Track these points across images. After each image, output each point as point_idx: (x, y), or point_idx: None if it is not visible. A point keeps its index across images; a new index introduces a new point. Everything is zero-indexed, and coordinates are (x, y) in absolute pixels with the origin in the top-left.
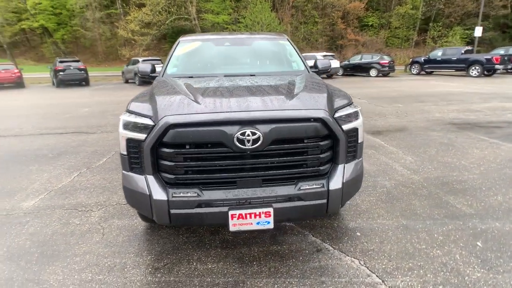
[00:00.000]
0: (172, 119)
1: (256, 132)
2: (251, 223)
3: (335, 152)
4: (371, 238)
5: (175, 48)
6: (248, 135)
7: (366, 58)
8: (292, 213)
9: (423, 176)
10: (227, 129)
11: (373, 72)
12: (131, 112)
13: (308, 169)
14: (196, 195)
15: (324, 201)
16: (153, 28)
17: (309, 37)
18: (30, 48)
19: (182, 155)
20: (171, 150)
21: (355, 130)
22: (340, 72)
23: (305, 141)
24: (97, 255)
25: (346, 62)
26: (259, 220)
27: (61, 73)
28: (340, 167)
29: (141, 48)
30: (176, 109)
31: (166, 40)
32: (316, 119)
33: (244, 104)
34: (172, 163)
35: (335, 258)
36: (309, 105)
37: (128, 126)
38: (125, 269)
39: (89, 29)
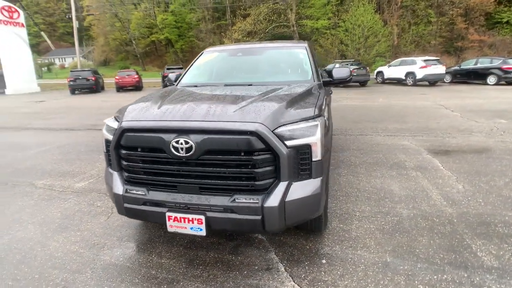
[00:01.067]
0: (126, 125)
1: (189, 141)
2: (186, 227)
3: (278, 168)
4: (334, 269)
5: (197, 59)
6: (181, 144)
7: (483, 63)
8: (225, 224)
9: (461, 210)
10: (165, 136)
11: (491, 79)
12: (114, 117)
13: (243, 182)
14: (143, 193)
15: (259, 217)
16: (254, 37)
17: (418, 39)
18: (157, 57)
19: (134, 156)
20: (125, 152)
21: (306, 147)
22: (448, 79)
23: (242, 154)
24: (92, 233)
25: (456, 68)
26: (192, 225)
27: (166, 78)
28: (282, 184)
29: None
30: (133, 115)
31: None
32: (251, 132)
33: (189, 113)
34: (127, 163)
35: (278, 280)
36: (247, 118)
37: (106, 128)
38: (102, 248)
39: (202, 39)
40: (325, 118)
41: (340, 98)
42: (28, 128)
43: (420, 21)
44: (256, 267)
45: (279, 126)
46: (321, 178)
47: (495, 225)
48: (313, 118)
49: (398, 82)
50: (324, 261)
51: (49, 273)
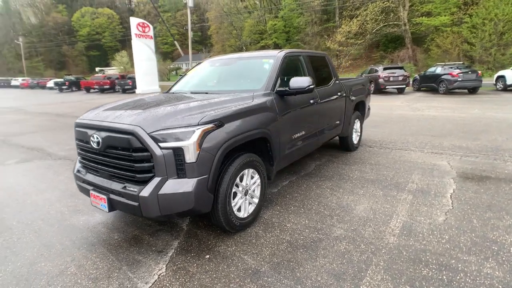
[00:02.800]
0: (76, 121)
1: (98, 137)
2: (98, 203)
3: (154, 166)
4: (207, 265)
5: (191, 68)
6: (94, 138)
7: None
8: (119, 205)
9: (406, 243)
10: (88, 132)
11: None
12: None
13: (129, 174)
14: (83, 174)
15: (137, 204)
16: (359, 38)
17: None
18: None
19: (77, 145)
20: (75, 141)
21: (179, 150)
22: None
23: (130, 150)
24: (91, 217)
25: None
26: (102, 203)
27: None
28: (156, 179)
29: (345, 58)
30: (83, 115)
31: (379, 48)
32: (130, 133)
33: (107, 115)
34: (77, 151)
35: (155, 261)
36: (131, 121)
37: None
38: (85, 229)
39: (307, 42)
40: (236, 124)
41: (425, 106)
42: None
43: None
44: (154, 248)
45: (158, 130)
46: (197, 178)
47: (424, 265)
48: (195, 125)
49: None
50: (207, 256)
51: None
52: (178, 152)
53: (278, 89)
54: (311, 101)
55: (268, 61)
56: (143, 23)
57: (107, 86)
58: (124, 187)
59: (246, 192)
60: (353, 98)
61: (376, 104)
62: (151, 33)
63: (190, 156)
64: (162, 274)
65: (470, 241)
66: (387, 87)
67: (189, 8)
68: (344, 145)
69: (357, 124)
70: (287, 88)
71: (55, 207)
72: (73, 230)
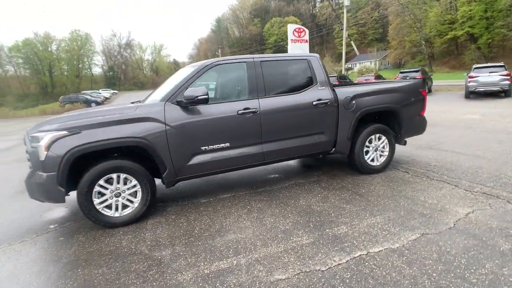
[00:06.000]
0: None
1: None
2: None
3: None
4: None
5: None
6: None
7: None
8: None
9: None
10: None
11: None
12: None
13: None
14: None
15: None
16: None
17: None
18: (456, 56)
19: None
20: None
21: (36, 149)
22: None
23: None
24: None
25: None
26: None
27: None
28: (31, 171)
29: None
30: None
31: None
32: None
33: None
34: None
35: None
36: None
37: None
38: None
39: None
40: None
41: (463, 111)
42: None
43: None
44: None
45: (34, 132)
46: (47, 174)
47: None
48: (49, 131)
49: None
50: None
51: None
52: (36, 151)
53: (177, 99)
54: (242, 111)
55: (189, 71)
56: (299, 29)
57: None
58: None
59: (118, 194)
60: (354, 108)
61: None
62: (306, 37)
63: (41, 155)
64: None
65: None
66: None
67: (345, 7)
68: (352, 164)
69: (379, 141)
70: (182, 99)
71: None
72: None
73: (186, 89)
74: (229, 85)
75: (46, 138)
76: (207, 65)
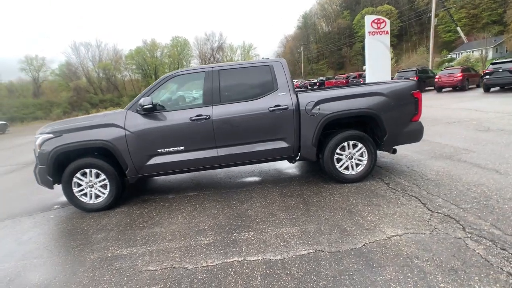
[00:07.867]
0: None
1: None
2: None
3: None
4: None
5: None
6: None
7: None
8: None
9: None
10: None
11: None
12: None
13: None
14: None
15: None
16: None
17: None
18: None
19: None
20: None
21: (36, 147)
22: None
23: None
24: None
25: None
26: None
27: (487, 76)
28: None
29: None
30: None
31: None
32: None
33: None
34: None
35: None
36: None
37: None
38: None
39: None
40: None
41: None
42: None
43: None
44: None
45: (37, 134)
46: (39, 166)
47: None
48: (42, 133)
49: None
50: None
51: None
52: (35, 148)
53: (137, 108)
54: (194, 118)
55: (154, 83)
56: (379, 19)
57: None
58: None
59: (92, 185)
60: (318, 113)
61: None
62: (387, 28)
63: (36, 152)
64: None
65: None
66: None
67: None
68: (324, 172)
69: (354, 149)
70: (138, 108)
71: None
72: None
73: (142, 98)
74: (187, 94)
75: (39, 139)
76: (167, 77)
